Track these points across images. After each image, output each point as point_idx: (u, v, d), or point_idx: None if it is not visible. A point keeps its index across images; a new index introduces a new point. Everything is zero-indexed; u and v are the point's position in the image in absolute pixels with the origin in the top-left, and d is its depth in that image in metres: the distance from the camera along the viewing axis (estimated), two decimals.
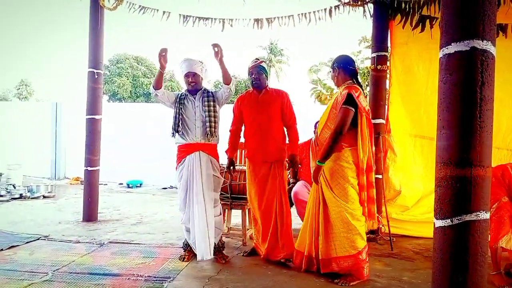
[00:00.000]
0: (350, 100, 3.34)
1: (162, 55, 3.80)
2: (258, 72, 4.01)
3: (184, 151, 3.96)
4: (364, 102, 3.42)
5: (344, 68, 3.58)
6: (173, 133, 3.97)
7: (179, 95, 4.06)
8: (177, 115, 3.95)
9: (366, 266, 3.45)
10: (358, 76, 3.68)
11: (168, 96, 4.04)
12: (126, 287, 3.29)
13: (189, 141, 3.94)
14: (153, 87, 4.00)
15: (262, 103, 4.01)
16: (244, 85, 31.58)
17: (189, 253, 4.03)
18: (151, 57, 37.93)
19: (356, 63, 3.62)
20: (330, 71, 3.70)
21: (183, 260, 3.94)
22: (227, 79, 3.91)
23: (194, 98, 4.00)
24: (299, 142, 4.23)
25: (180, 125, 3.94)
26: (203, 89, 4.06)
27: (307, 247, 3.63)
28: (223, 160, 4.30)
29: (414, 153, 5.25)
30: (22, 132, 11.16)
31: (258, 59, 4.09)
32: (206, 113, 3.92)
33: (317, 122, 4.12)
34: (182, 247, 4.13)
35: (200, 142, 3.92)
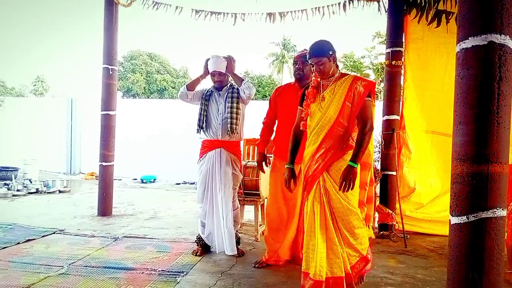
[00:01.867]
0: (370, 93, 2.97)
1: (207, 72, 4.04)
2: (303, 62, 3.69)
3: (206, 147, 4.02)
4: None
5: (335, 53, 3.05)
6: (198, 129, 4.04)
7: (206, 92, 4.12)
8: (202, 111, 4.01)
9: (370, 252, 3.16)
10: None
11: (196, 94, 4.12)
12: (140, 280, 3.32)
13: (211, 137, 4.00)
14: (187, 87, 4.10)
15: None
16: (257, 81, 31.57)
17: (202, 247, 4.07)
18: (164, 53, 38.13)
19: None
20: (321, 61, 2.96)
21: (196, 255, 3.98)
22: (237, 83, 3.98)
23: (219, 95, 4.04)
24: None
25: (204, 121, 3.99)
26: (229, 85, 4.09)
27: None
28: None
29: (430, 150, 5.17)
30: (38, 127, 11.31)
31: (306, 49, 3.63)
32: (228, 110, 3.93)
33: None
34: (195, 241, 4.17)
35: (222, 139, 3.96)
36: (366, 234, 3.08)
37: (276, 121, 3.93)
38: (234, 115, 3.92)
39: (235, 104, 3.94)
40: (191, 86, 4.09)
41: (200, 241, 4.11)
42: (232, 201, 4.01)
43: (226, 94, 4.01)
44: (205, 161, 4.01)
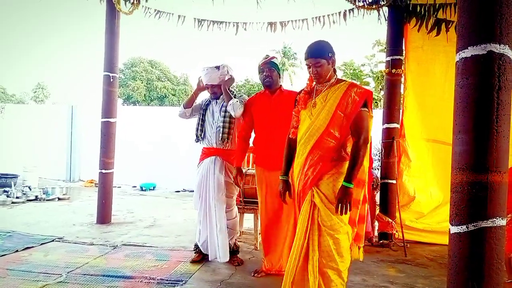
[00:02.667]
0: (367, 102, 2.70)
1: (201, 87, 4.16)
2: (269, 69, 3.66)
3: (204, 154, 4.09)
4: None
5: (335, 58, 2.80)
6: (196, 139, 4.12)
7: (205, 102, 4.20)
8: (199, 121, 4.10)
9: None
10: None
11: (195, 107, 4.22)
12: None
13: (208, 145, 4.06)
14: (183, 106, 4.21)
15: (274, 105, 3.66)
16: (258, 89, 31.65)
17: (198, 254, 4.10)
18: (165, 60, 38.29)
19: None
20: (319, 62, 2.71)
21: (193, 261, 4.03)
22: (226, 101, 3.93)
23: (216, 104, 4.08)
24: None
25: (201, 130, 4.08)
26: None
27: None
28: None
29: (431, 158, 5.16)
30: (38, 134, 11.30)
31: (269, 56, 3.77)
32: (221, 119, 3.95)
33: None
34: (194, 248, 4.19)
35: (217, 148, 3.99)
36: (349, 257, 2.75)
37: (253, 132, 3.89)
38: (227, 125, 3.94)
39: (229, 114, 3.92)
40: (187, 104, 4.20)
41: (197, 247, 4.14)
42: (227, 210, 4.02)
43: (222, 103, 4.03)
44: (201, 168, 4.07)
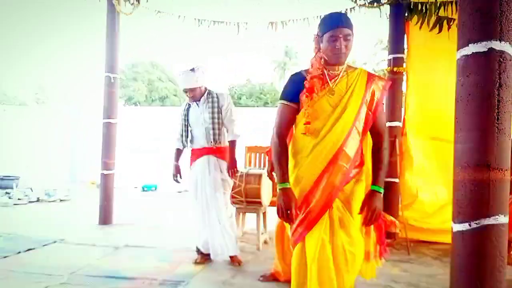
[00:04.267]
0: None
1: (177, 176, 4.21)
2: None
3: (195, 155, 4.07)
4: None
5: None
6: (183, 145, 4.15)
7: (185, 106, 4.14)
8: (183, 127, 4.09)
9: None
10: None
11: (180, 120, 4.15)
12: None
13: (198, 146, 4.04)
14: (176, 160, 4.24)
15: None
16: (259, 89, 31.64)
17: (201, 255, 4.09)
18: (166, 61, 38.31)
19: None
20: (349, 34, 2.18)
21: (195, 263, 4.01)
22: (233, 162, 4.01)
23: (198, 105, 4.03)
24: None
25: (186, 136, 4.08)
26: (206, 93, 4.05)
27: None
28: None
29: (434, 157, 5.12)
30: (39, 136, 11.33)
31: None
32: (209, 120, 3.94)
33: None
34: (196, 249, 4.18)
35: (209, 147, 3.99)
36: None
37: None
38: (216, 125, 3.94)
39: (216, 115, 3.94)
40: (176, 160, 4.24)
41: (198, 250, 4.14)
42: (225, 207, 4.03)
43: (205, 104, 4.00)
44: (194, 169, 4.05)
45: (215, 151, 3.99)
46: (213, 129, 3.93)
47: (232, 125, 4.00)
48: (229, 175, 4.02)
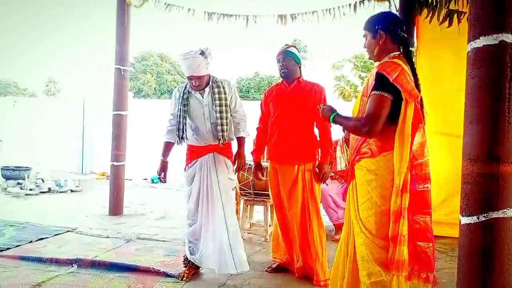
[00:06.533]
0: (383, 83, 2.21)
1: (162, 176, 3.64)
2: (285, 58, 3.39)
3: (195, 152, 3.50)
4: (410, 83, 2.25)
5: (393, 32, 2.40)
6: (179, 141, 3.54)
7: (182, 92, 3.45)
8: (181, 119, 3.42)
9: None
10: (409, 46, 2.61)
11: (173, 110, 3.56)
12: (149, 280, 3.38)
13: (200, 144, 3.47)
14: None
15: (291, 97, 3.40)
16: (267, 82, 31.57)
17: (190, 269, 3.52)
18: (175, 54, 38.32)
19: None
20: (367, 37, 2.46)
21: (182, 279, 3.40)
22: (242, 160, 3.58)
23: (202, 96, 3.41)
24: None
25: (185, 131, 3.45)
26: (211, 81, 3.44)
27: None
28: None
29: (440, 151, 5.11)
30: (50, 127, 11.41)
31: (287, 44, 3.50)
32: (218, 115, 3.37)
33: None
34: (183, 262, 3.62)
35: (214, 144, 3.43)
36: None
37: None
38: (225, 121, 3.38)
39: (224, 108, 3.38)
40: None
41: (188, 262, 3.54)
42: (233, 212, 3.56)
43: (210, 95, 3.40)
44: (196, 169, 3.46)
45: (221, 148, 3.45)
46: (222, 125, 3.36)
47: (239, 119, 3.56)
48: (234, 173, 3.63)
